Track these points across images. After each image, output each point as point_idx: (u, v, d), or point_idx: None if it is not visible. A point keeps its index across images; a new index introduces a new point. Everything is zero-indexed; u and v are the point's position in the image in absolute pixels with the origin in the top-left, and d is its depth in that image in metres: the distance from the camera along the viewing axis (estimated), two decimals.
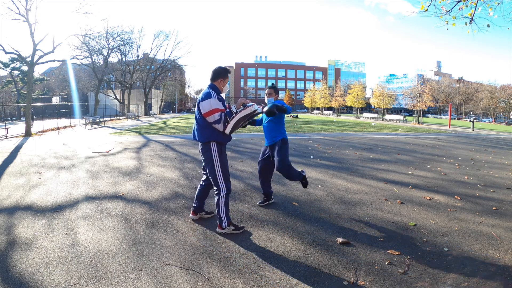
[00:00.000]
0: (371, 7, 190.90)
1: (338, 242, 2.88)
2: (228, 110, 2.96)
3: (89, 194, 4.29)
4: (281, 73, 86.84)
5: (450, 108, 32.70)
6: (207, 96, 2.91)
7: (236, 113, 2.88)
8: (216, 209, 3.04)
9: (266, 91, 3.90)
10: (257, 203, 3.97)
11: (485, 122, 54.90)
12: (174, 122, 23.68)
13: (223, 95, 3.19)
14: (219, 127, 2.92)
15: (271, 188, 4.03)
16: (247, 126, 3.37)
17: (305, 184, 3.91)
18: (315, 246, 2.82)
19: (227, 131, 2.92)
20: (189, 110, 68.68)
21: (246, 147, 9.44)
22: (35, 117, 21.94)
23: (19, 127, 16.82)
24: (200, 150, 3.12)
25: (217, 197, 3.02)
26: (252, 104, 2.93)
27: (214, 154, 3.00)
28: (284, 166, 3.62)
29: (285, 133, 3.80)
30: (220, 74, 3.01)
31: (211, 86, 3.00)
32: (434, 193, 4.63)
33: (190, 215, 3.42)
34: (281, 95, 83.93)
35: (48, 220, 3.32)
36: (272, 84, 4.08)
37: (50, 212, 3.57)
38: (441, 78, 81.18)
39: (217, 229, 3.08)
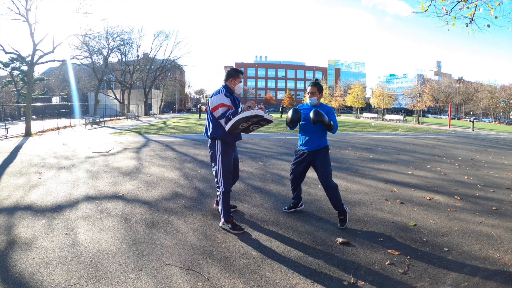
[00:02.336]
0: (369, 7, 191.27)
1: (338, 242, 2.88)
2: (234, 110, 2.99)
3: (89, 194, 4.29)
4: (281, 73, 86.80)
5: (450, 108, 32.69)
6: (216, 92, 3.07)
7: (239, 113, 2.87)
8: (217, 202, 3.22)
9: (308, 89, 3.33)
10: (283, 209, 3.69)
11: (485, 122, 54.81)
12: (174, 122, 23.68)
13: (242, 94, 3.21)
14: (223, 122, 2.97)
15: (301, 193, 3.68)
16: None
17: (343, 220, 3.24)
18: (315, 246, 2.82)
19: (226, 128, 2.92)
20: (189, 110, 68.64)
21: (246, 147, 9.44)
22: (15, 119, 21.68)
23: (19, 127, 16.82)
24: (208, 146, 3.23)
25: (218, 192, 3.15)
26: (255, 108, 2.85)
27: (218, 152, 3.09)
28: (331, 182, 3.22)
29: (327, 140, 3.40)
30: (230, 74, 3.12)
31: (224, 86, 3.13)
32: (434, 193, 4.63)
33: (214, 205, 3.62)
34: (281, 95, 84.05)
35: (48, 220, 3.32)
36: (316, 80, 3.49)
37: (50, 212, 3.57)
38: (441, 78, 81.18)
39: (220, 222, 3.24)
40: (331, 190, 3.24)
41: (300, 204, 3.72)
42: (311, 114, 3.12)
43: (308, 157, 3.36)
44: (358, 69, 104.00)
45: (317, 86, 3.30)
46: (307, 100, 3.39)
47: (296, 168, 3.45)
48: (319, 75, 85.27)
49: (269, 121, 2.94)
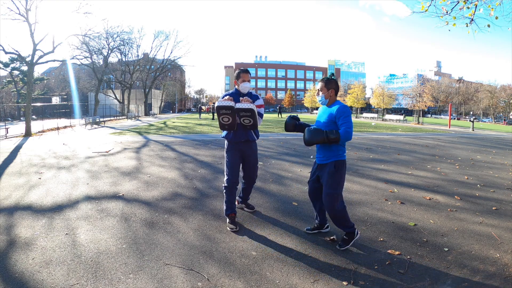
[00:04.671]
0: (366, 8, 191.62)
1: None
2: None
3: (89, 194, 4.29)
4: (281, 73, 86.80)
5: (450, 108, 32.68)
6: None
7: None
8: None
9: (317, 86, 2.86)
10: (305, 229, 3.14)
11: (485, 122, 54.71)
12: (174, 122, 23.67)
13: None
14: None
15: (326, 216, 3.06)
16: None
17: (347, 241, 2.74)
18: (315, 246, 2.82)
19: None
20: (189, 110, 68.67)
21: None
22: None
23: (19, 127, 16.82)
24: None
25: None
26: (228, 99, 3.06)
27: (224, 149, 3.39)
28: (333, 207, 2.64)
29: (343, 152, 2.74)
30: (235, 76, 3.28)
31: (235, 88, 3.33)
32: (434, 193, 4.63)
33: (236, 202, 3.70)
34: (281, 95, 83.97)
35: (48, 220, 3.32)
36: (332, 74, 2.86)
37: (50, 212, 3.57)
38: (441, 78, 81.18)
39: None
40: (336, 215, 2.70)
41: (326, 226, 3.10)
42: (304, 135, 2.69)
43: (317, 170, 2.86)
44: (358, 69, 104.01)
45: (324, 81, 2.77)
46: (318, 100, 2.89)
47: (311, 182, 2.96)
48: (319, 75, 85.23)
49: (245, 109, 2.98)
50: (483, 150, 10.28)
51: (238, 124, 3.14)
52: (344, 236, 2.79)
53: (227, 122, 3.08)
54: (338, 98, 2.90)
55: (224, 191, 3.26)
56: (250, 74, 3.27)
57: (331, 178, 2.67)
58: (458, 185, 5.18)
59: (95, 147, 9.24)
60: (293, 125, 2.98)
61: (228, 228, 3.15)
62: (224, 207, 3.28)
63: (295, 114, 3.14)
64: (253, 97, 3.24)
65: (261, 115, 3.18)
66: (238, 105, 3.00)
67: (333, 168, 2.68)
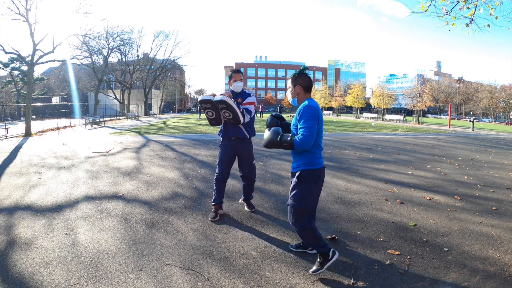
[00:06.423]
0: (364, 7, 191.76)
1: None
2: None
3: (89, 194, 4.29)
4: (281, 73, 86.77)
5: (450, 108, 32.65)
6: None
7: None
8: None
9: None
10: (289, 246, 2.76)
11: (485, 122, 54.58)
12: (174, 122, 23.67)
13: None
14: None
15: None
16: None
17: (319, 264, 2.31)
18: None
19: None
20: (189, 110, 68.68)
21: None
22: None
23: (19, 127, 16.81)
24: None
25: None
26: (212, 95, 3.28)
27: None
28: (295, 222, 2.29)
29: (316, 159, 2.26)
30: (228, 77, 3.47)
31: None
32: (434, 193, 4.63)
33: (240, 200, 3.93)
34: (281, 95, 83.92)
35: (48, 220, 3.32)
36: (305, 67, 2.35)
37: (50, 212, 3.57)
38: (441, 78, 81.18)
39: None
40: (300, 233, 2.32)
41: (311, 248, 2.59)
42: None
43: (292, 178, 2.40)
44: (358, 69, 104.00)
45: (291, 77, 2.33)
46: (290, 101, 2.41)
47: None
48: (319, 75, 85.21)
49: (219, 101, 3.12)
50: (483, 150, 10.28)
51: (226, 121, 3.33)
52: (318, 259, 2.33)
53: (212, 117, 3.31)
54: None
55: (214, 183, 3.49)
56: (242, 74, 3.44)
57: (295, 189, 2.29)
58: (458, 185, 5.18)
59: (95, 147, 9.24)
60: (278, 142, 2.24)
61: (209, 218, 3.37)
62: (213, 197, 3.51)
63: (276, 113, 2.45)
64: (245, 95, 3.40)
65: (249, 112, 3.31)
66: (214, 98, 3.17)
67: (298, 178, 2.27)
